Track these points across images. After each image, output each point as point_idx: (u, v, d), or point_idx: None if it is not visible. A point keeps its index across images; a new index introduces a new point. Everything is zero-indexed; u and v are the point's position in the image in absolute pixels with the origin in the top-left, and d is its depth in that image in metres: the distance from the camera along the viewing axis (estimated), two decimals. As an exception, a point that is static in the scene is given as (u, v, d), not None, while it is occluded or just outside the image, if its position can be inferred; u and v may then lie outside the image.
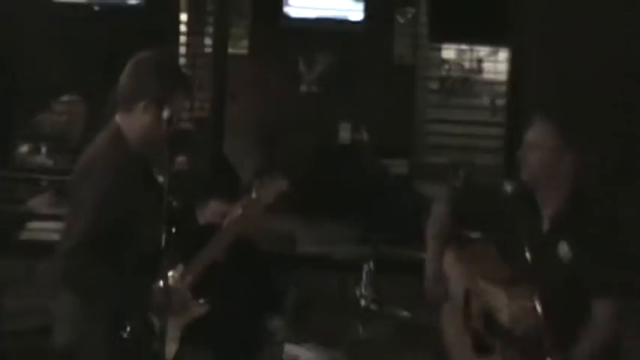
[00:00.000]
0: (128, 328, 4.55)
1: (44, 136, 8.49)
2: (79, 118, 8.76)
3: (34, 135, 8.40)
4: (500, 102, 8.73)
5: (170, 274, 4.54)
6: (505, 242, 4.58)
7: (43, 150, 8.37)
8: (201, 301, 4.79)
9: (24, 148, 8.39)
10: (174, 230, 4.39)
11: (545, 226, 4.41)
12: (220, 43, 7.87)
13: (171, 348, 4.61)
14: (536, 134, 4.48)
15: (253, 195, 4.86)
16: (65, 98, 8.53)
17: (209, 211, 4.98)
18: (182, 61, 8.37)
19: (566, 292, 4.25)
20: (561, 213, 4.36)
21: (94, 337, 4.64)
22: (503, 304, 4.46)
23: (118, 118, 4.55)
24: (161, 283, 4.26)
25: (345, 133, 10.44)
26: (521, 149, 4.46)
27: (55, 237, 5.38)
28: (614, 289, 4.30)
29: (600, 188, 5.26)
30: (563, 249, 4.28)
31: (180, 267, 4.70)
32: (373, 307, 5.72)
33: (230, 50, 8.94)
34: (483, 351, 4.61)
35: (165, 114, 4.32)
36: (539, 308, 3.83)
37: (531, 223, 4.44)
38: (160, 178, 4.65)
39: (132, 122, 4.50)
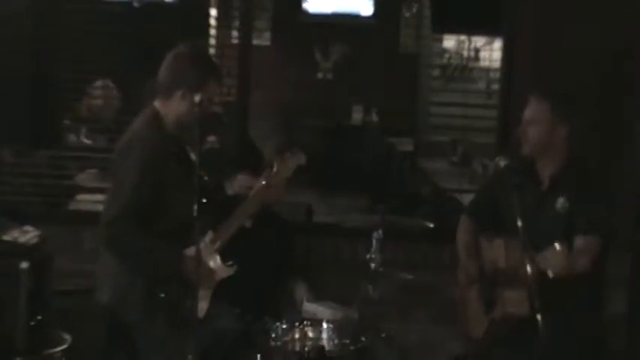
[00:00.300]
0: (164, 289, 4.72)
1: (83, 118, 8.83)
2: (112, 101, 9.19)
3: (75, 117, 8.65)
4: (495, 87, 8.86)
5: (201, 239, 4.64)
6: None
7: (83, 130, 8.81)
8: (229, 263, 5.00)
9: (69, 129, 8.61)
10: (204, 201, 4.49)
11: (545, 186, 4.70)
12: (245, 35, 8.09)
13: (202, 306, 4.78)
14: (533, 111, 4.76)
15: (275, 169, 5.07)
16: (99, 83, 8.98)
17: (236, 184, 5.19)
18: (212, 51, 8.77)
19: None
20: (558, 175, 4.67)
21: (133, 296, 4.84)
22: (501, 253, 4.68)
23: (157, 103, 4.81)
24: (193, 247, 4.37)
25: (357, 115, 11.00)
26: (520, 127, 4.76)
27: (99, 208, 5.44)
28: (598, 227, 4.54)
29: (591, 152, 5.67)
30: (561, 202, 4.63)
31: (210, 233, 4.89)
32: (381, 270, 6.17)
33: (254, 42, 9.19)
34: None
35: (197, 99, 4.50)
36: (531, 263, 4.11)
37: (529, 186, 4.72)
38: (193, 156, 4.76)
39: (169, 107, 4.74)
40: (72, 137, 8.00)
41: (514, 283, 4.43)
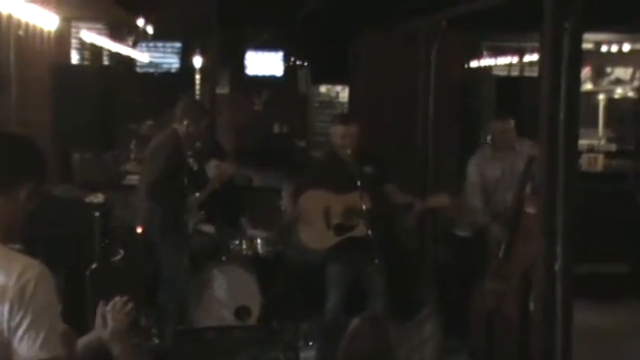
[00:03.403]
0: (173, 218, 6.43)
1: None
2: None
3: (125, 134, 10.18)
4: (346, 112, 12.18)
5: (191, 196, 6.65)
6: None
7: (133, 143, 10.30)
8: (202, 212, 6.95)
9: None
10: (189, 180, 6.49)
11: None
12: (214, 88, 11.32)
13: (191, 223, 6.83)
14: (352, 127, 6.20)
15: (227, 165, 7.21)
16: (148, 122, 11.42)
17: (211, 165, 7.32)
18: (198, 96, 12.32)
19: None
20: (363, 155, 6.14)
21: (154, 221, 6.59)
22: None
23: (175, 125, 6.65)
24: (189, 199, 6.40)
25: (276, 128, 15.85)
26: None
27: (136, 182, 7.36)
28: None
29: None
30: (367, 170, 6.08)
31: (196, 194, 6.85)
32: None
33: (220, 91, 13.24)
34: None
35: (185, 124, 6.40)
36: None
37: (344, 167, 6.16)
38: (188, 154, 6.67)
39: (182, 126, 6.57)
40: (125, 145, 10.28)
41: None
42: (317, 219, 6.26)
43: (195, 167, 7.03)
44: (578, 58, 4.42)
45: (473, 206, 6.94)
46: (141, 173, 7.34)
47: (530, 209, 6.26)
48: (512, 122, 6.98)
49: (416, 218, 6.98)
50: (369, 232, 5.97)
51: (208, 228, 7.72)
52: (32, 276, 2.36)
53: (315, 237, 6.34)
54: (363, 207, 6.00)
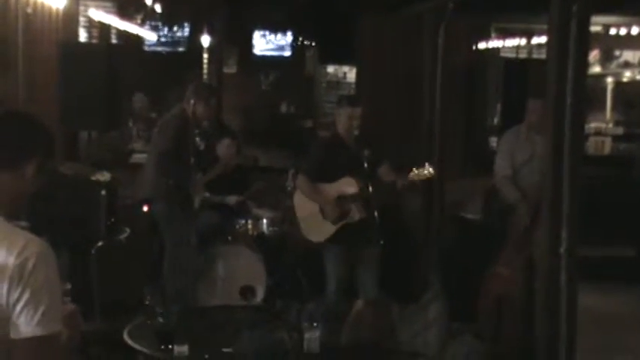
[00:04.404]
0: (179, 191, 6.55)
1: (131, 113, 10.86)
2: (144, 104, 11.30)
3: (128, 113, 10.41)
4: (353, 93, 11.57)
5: (197, 176, 6.79)
6: None
7: (130, 122, 10.86)
8: (207, 194, 7.28)
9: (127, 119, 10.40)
10: (196, 158, 6.65)
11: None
12: (220, 67, 11.46)
13: (197, 201, 7.02)
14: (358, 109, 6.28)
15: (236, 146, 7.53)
16: (139, 94, 11.37)
17: (222, 145, 7.53)
18: (205, 77, 12.29)
19: None
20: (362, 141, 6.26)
21: (160, 192, 6.77)
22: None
23: (185, 104, 6.76)
24: (197, 176, 6.54)
25: (283, 108, 15.79)
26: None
27: (143, 160, 7.59)
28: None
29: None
30: (366, 152, 6.19)
31: (201, 174, 7.03)
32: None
33: (227, 70, 13.24)
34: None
35: (192, 103, 6.59)
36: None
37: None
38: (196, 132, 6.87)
39: (189, 106, 6.72)
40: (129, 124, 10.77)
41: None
42: (314, 212, 6.38)
43: (202, 147, 7.22)
44: (586, 42, 4.43)
45: (505, 183, 6.84)
46: (149, 150, 7.43)
47: None
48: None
49: (398, 194, 6.94)
50: (364, 214, 6.08)
51: (233, 200, 7.80)
52: (32, 252, 2.38)
53: (314, 230, 6.45)
54: (355, 191, 6.11)
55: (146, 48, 15.34)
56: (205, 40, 12.89)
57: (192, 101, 6.78)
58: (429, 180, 6.42)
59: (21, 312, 2.37)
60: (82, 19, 10.36)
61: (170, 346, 5.16)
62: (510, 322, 6.33)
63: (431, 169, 6.12)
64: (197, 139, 6.99)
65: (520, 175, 6.83)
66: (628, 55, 12.50)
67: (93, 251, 6.67)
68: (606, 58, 12.46)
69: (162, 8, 11.13)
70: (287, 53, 16.23)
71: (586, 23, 4.45)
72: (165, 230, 6.96)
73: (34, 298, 2.37)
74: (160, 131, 6.95)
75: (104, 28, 11.22)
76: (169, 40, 15.69)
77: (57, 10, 8.35)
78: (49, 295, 2.39)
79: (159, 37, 15.43)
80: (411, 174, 6.15)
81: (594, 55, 12.11)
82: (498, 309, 6.45)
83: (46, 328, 2.37)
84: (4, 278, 2.37)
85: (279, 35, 16.28)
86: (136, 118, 10.75)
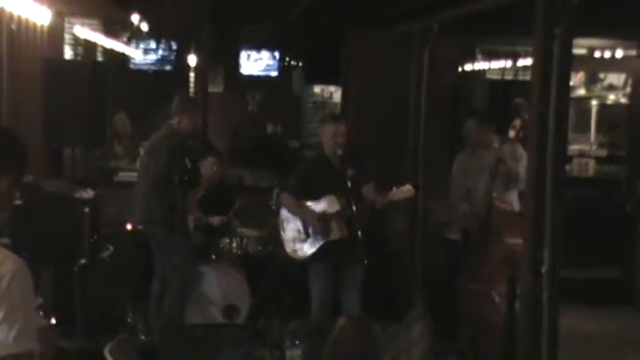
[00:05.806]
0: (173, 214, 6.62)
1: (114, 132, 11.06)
2: (125, 123, 11.61)
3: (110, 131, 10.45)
4: (338, 112, 11.21)
5: (189, 196, 6.92)
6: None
7: (115, 140, 11.06)
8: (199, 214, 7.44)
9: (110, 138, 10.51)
10: (187, 177, 6.73)
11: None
12: (206, 86, 11.00)
13: (191, 221, 7.12)
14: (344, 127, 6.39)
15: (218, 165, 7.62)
16: (120, 114, 11.56)
17: (206, 163, 7.57)
18: (192, 94, 12.03)
19: None
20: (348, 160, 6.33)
21: (161, 220, 6.80)
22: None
23: (172, 121, 6.84)
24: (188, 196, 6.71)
25: (269, 129, 15.15)
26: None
27: (129, 180, 7.94)
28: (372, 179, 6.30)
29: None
30: (350, 172, 6.24)
31: (192, 193, 7.14)
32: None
33: (214, 89, 13.08)
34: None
35: (177, 119, 6.64)
36: None
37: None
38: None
39: (179, 123, 6.80)
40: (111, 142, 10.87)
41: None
42: (296, 230, 6.45)
43: (189, 165, 7.08)
44: (568, 64, 4.46)
45: (460, 207, 7.08)
46: (139, 171, 7.38)
47: (504, 205, 6.42)
48: (485, 120, 7.21)
49: (381, 214, 6.97)
50: (346, 233, 6.17)
51: (217, 220, 7.77)
52: (7, 270, 2.36)
53: (298, 246, 6.52)
54: (338, 209, 6.18)
55: (132, 66, 15.31)
56: (192, 59, 12.91)
57: (179, 116, 6.82)
58: (409, 199, 6.48)
59: None
60: (67, 36, 10.36)
61: (151, 364, 5.06)
62: (483, 340, 6.35)
63: (411, 189, 6.19)
64: (186, 158, 6.98)
65: (477, 192, 6.97)
66: (612, 78, 12.56)
67: (76, 268, 6.64)
68: (591, 80, 12.53)
69: (149, 27, 11.16)
70: (274, 73, 16.21)
71: (568, 46, 4.49)
72: (160, 252, 6.97)
73: (8, 316, 2.34)
74: (149, 153, 6.94)
75: (90, 46, 11.20)
76: (156, 58, 15.67)
77: (42, 26, 8.37)
78: (24, 312, 2.36)
79: (145, 55, 15.37)
80: (390, 193, 6.20)
81: (579, 77, 12.21)
82: (475, 325, 6.49)
83: (20, 346, 2.35)
84: None
85: (265, 55, 16.26)
86: (119, 136, 10.72)
